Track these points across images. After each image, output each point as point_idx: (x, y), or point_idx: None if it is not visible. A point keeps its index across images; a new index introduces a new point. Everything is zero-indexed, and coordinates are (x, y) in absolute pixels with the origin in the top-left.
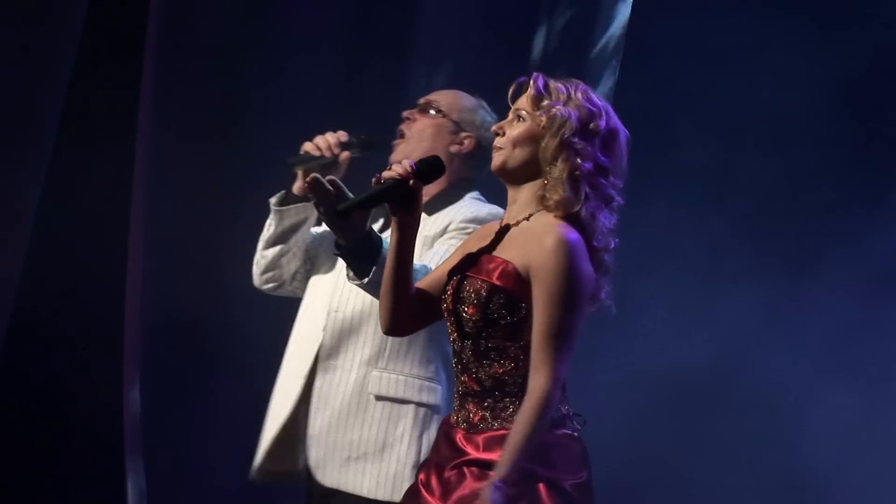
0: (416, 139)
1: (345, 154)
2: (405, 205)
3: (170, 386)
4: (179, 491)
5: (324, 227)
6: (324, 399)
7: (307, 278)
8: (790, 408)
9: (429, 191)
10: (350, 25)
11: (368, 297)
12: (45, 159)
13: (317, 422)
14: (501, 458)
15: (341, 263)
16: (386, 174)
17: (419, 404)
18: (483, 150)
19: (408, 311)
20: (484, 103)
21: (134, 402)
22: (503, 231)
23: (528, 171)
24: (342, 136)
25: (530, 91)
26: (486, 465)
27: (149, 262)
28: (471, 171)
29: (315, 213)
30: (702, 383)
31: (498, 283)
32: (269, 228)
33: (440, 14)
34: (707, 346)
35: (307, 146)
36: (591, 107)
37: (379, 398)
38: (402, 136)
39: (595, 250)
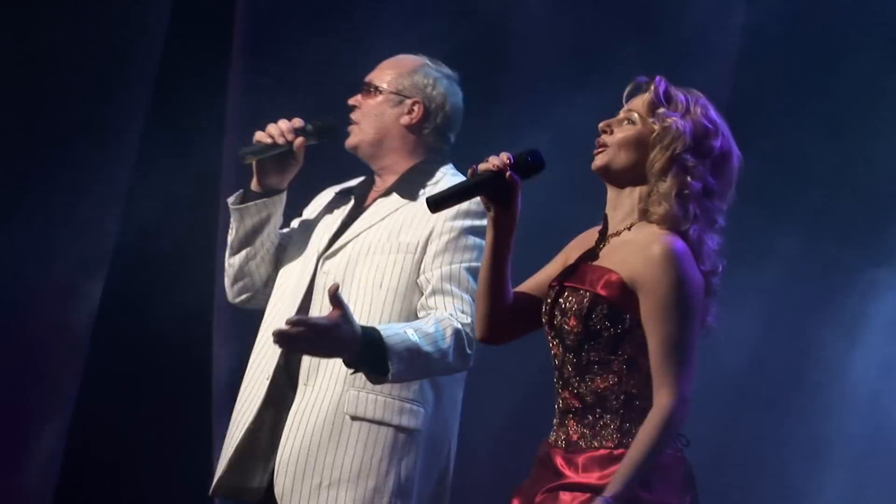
0: (364, 121)
1: (299, 140)
2: (501, 200)
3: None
4: None
5: (290, 227)
6: (297, 422)
7: (269, 289)
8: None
9: (393, 169)
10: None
11: (349, 308)
12: (133, 151)
13: (289, 446)
14: (616, 473)
15: (308, 268)
16: (481, 166)
17: (399, 428)
18: (437, 110)
19: (506, 316)
20: (427, 60)
21: (221, 369)
22: (602, 239)
23: (631, 177)
24: (296, 122)
25: (649, 95)
26: (582, 489)
27: None
28: (435, 139)
29: (279, 210)
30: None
31: (601, 292)
32: (232, 232)
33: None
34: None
35: (258, 135)
36: (708, 124)
37: (355, 419)
38: (351, 121)
39: (702, 274)
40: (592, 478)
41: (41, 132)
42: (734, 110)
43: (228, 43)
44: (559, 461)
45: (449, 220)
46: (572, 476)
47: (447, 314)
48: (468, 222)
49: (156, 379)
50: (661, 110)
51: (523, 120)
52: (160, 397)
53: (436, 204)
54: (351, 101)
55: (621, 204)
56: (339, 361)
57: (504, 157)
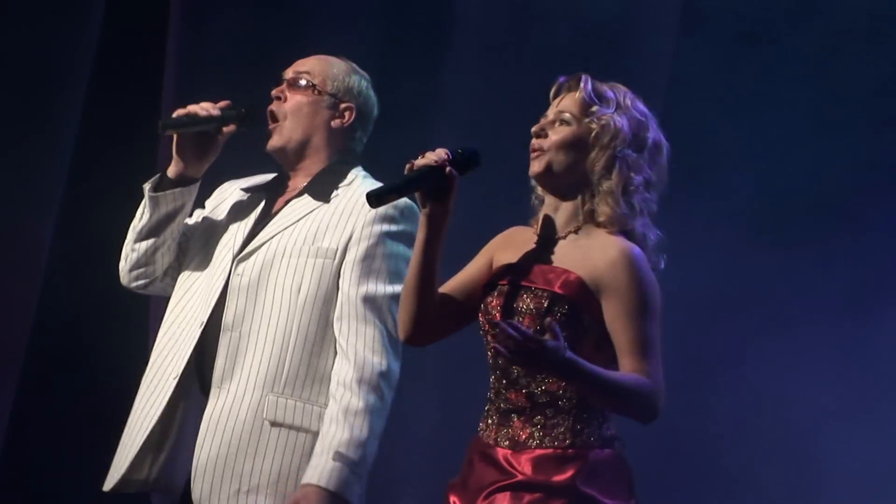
0: (292, 119)
1: (230, 126)
2: (437, 196)
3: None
4: None
5: (194, 219)
6: (213, 426)
7: (178, 274)
8: None
9: (308, 170)
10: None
11: (266, 312)
12: (65, 164)
13: (205, 450)
14: (583, 362)
15: (221, 268)
16: (419, 161)
17: (315, 433)
18: (364, 117)
19: (432, 318)
20: (354, 65)
21: None
22: (547, 242)
23: (571, 179)
24: (222, 104)
25: (579, 94)
26: (541, 489)
27: None
28: (355, 143)
29: (192, 200)
30: None
31: (560, 291)
32: (143, 218)
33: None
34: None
35: (179, 111)
36: (640, 116)
37: (275, 425)
38: (275, 117)
39: None
40: (550, 477)
41: None
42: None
43: (162, 46)
44: (503, 459)
45: (367, 225)
46: (526, 475)
47: (344, 377)
48: (387, 226)
49: (89, 385)
50: (595, 108)
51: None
52: (93, 402)
53: (377, 199)
54: (276, 93)
55: (563, 207)
56: (254, 363)
57: (442, 152)
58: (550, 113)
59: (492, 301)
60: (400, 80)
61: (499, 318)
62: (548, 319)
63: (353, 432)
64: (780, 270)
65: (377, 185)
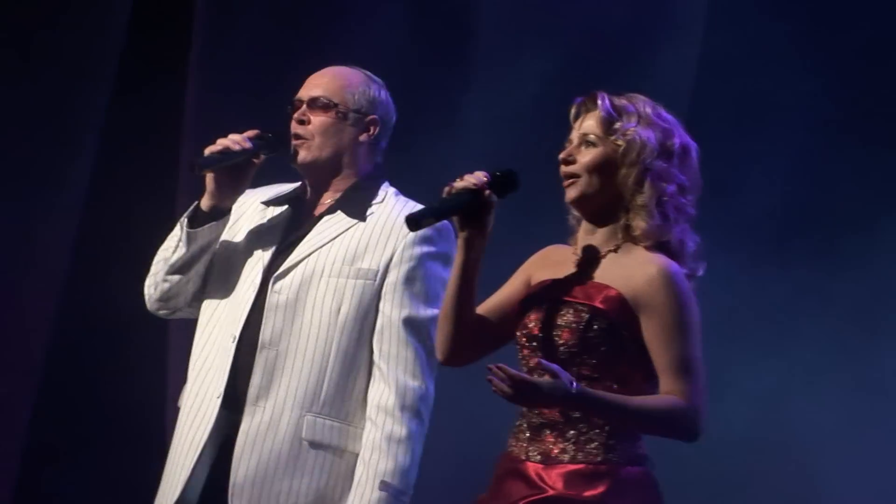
0: (320, 139)
1: (261, 157)
2: (476, 219)
3: None
4: None
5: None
6: (251, 445)
7: (201, 299)
8: None
9: (337, 186)
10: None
11: (304, 330)
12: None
13: (241, 469)
14: (602, 392)
15: (251, 283)
16: (457, 184)
17: (353, 454)
18: (386, 125)
19: (469, 338)
20: (368, 73)
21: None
22: (588, 260)
23: (606, 199)
24: (251, 133)
25: (598, 113)
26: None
27: None
28: (377, 153)
29: (224, 230)
30: None
31: (600, 306)
32: (178, 252)
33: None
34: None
35: (211, 148)
36: (663, 123)
37: (314, 445)
38: (299, 137)
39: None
40: (581, 493)
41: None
42: None
43: (186, 51)
44: (534, 474)
45: (408, 248)
46: (557, 490)
47: (385, 402)
48: (427, 248)
49: (113, 393)
50: (618, 125)
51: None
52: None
53: (416, 223)
54: (298, 116)
55: (600, 228)
56: (291, 382)
57: (480, 174)
58: (574, 137)
59: (530, 315)
60: (423, 93)
61: (537, 332)
62: (535, 360)
63: (397, 461)
64: (788, 282)
65: (409, 202)
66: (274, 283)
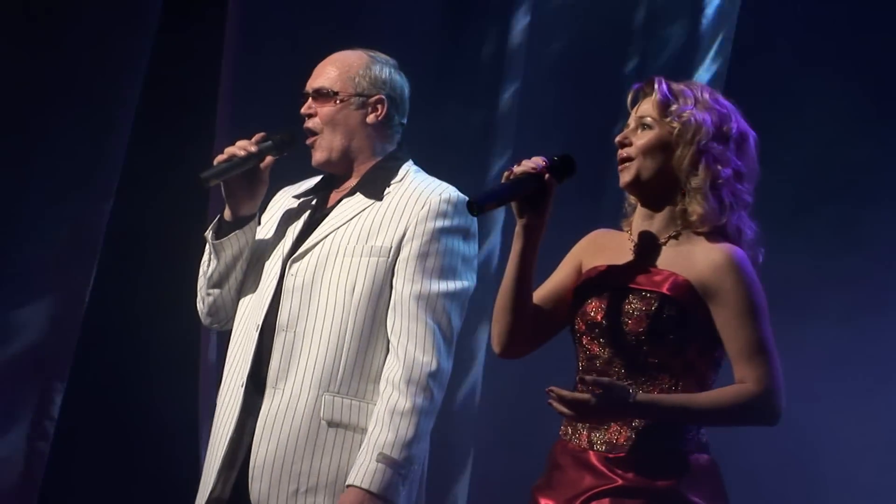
0: (328, 130)
1: (268, 160)
2: (535, 204)
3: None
4: None
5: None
6: (270, 426)
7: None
8: None
9: (359, 171)
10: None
11: (320, 311)
12: (121, 158)
13: (261, 451)
14: (662, 397)
15: (274, 271)
16: (517, 169)
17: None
18: (396, 102)
19: (526, 329)
20: (372, 53)
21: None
22: (646, 247)
23: (662, 182)
24: (257, 136)
25: (655, 96)
26: (644, 494)
27: None
28: (392, 131)
29: (254, 234)
30: None
31: (669, 293)
32: (211, 265)
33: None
34: None
35: (218, 157)
36: (721, 108)
37: (332, 424)
38: (311, 132)
39: None
40: (653, 482)
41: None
42: None
43: (219, 47)
44: (600, 463)
45: (421, 222)
46: (627, 480)
47: (393, 376)
48: (441, 222)
49: (144, 378)
50: (674, 107)
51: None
52: (149, 398)
53: (479, 208)
54: (305, 110)
55: (657, 213)
56: (309, 363)
57: (539, 159)
58: (631, 121)
59: (592, 303)
60: (456, 103)
61: (600, 320)
62: (590, 377)
63: (398, 433)
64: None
65: (429, 179)
66: (290, 266)
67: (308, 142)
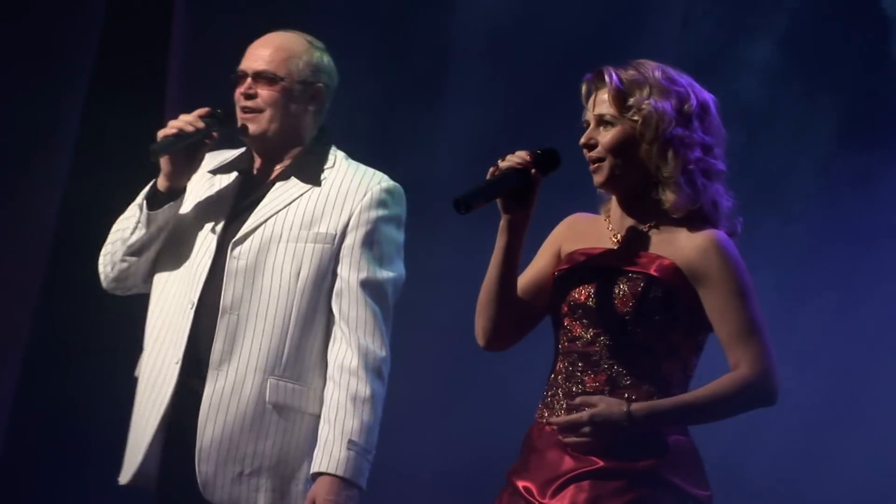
0: (271, 110)
1: (214, 133)
2: (520, 199)
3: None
4: None
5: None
6: (215, 408)
7: (153, 273)
8: None
9: (289, 152)
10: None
11: (265, 295)
12: (66, 161)
13: (207, 433)
14: (659, 400)
15: (205, 249)
16: (503, 164)
17: (312, 416)
18: (331, 90)
19: (511, 321)
20: (309, 38)
21: None
22: (630, 235)
23: (636, 175)
24: (202, 111)
25: (609, 91)
26: (624, 475)
27: None
28: (322, 117)
29: (179, 208)
30: None
31: (656, 274)
32: (137, 233)
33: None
34: None
35: (164, 131)
36: (676, 87)
37: (276, 408)
38: (249, 111)
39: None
40: (633, 464)
41: None
42: None
43: (168, 25)
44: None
45: (364, 211)
46: (607, 461)
47: (349, 363)
48: (382, 211)
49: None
50: (631, 100)
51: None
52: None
53: (467, 206)
54: (244, 90)
55: (635, 204)
56: (254, 346)
57: (524, 154)
58: (590, 117)
59: (576, 286)
60: (403, 97)
61: (585, 301)
62: (579, 399)
63: (363, 420)
64: None
65: (360, 166)
66: (232, 248)
67: (244, 116)
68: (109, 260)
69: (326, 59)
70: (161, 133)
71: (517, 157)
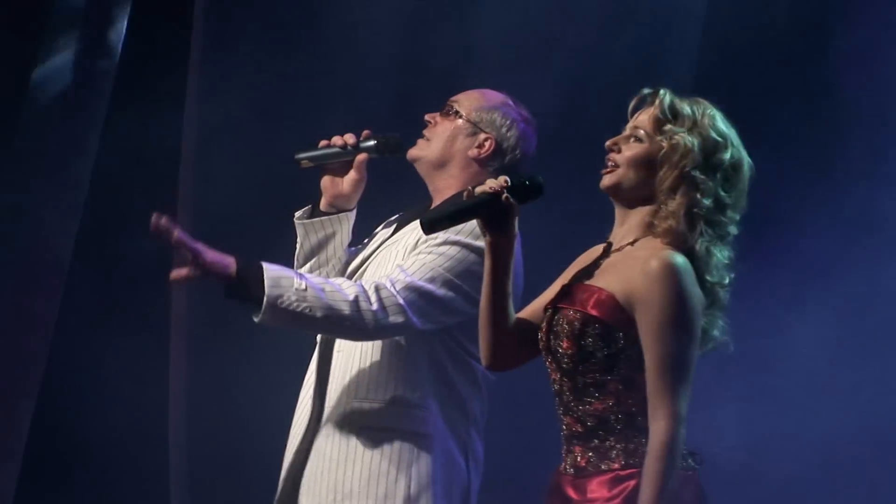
0: (435, 140)
1: (361, 156)
2: (497, 224)
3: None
4: None
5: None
6: (321, 437)
7: None
8: None
9: (443, 193)
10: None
11: None
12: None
13: (311, 464)
14: None
15: None
16: (478, 189)
17: (404, 432)
18: (502, 151)
19: (510, 343)
20: (510, 100)
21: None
22: (603, 256)
23: (641, 195)
24: (364, 134)
25: (654, 111)
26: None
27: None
28: (488, 174)
29: (343, 228)
30: None
31: (592, 312)
32: (298, 245)
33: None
34: None
35: (322, 143)
36: (716, 137)
37: (361, 429)
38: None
39: (710, 285)
40: (600, 499)
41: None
42: None
43: (190, 15)
44: (569, 489)
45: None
46: (584, 499)
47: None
48: (452, 236)
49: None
50: (668, 126)
51: None
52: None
53: (430, 225)
54: (428, 117)
55: (628, 220)
56: (346, 374)
57: (502, 180)
58: (627, 128)
59: (542, 325)
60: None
61: (545, 342)
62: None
63: (327, 283)
64: None
65: None
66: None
67: (417, 141)
68: None
69: (513, 121)
70: (320, 144)
71: (494, 183)
